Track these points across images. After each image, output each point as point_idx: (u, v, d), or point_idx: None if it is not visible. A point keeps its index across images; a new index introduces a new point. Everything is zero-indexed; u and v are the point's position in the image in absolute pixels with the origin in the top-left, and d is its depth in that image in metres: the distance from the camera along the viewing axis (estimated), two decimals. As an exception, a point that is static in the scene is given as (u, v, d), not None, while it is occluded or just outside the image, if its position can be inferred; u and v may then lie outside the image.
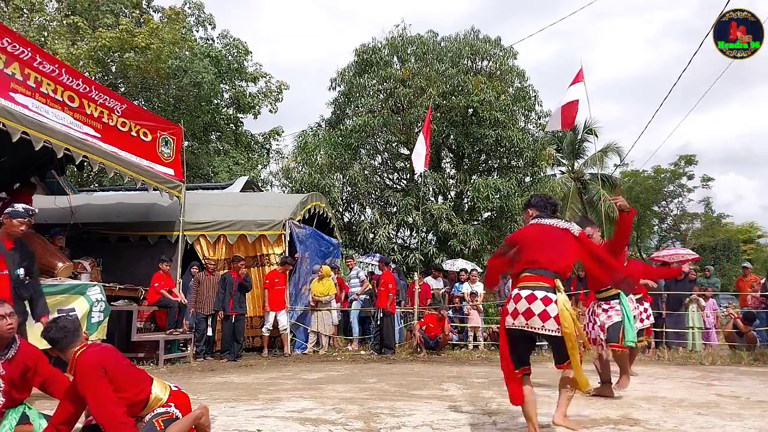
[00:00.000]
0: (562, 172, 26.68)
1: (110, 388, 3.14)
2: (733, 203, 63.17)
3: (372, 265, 14.06)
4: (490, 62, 19.28)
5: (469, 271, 12.42)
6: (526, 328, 3.56)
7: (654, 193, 35.91)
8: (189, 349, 9.63)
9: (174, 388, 3.50)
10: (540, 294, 3.55)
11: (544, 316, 3.50)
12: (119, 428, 3.06)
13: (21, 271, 4.54)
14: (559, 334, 3.50)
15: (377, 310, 10.63)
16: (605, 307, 5.61)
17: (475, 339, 11.37)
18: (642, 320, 6.66)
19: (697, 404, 5.07)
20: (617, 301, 5.59)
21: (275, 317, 10.28)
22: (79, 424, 3.46)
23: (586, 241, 3.85)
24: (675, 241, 36.13)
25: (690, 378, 7.10)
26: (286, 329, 10.38)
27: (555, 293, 3.54)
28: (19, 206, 4.46)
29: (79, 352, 3.20)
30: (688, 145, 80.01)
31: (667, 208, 37.55)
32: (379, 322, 10.59)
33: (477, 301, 11.43)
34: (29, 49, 7.41)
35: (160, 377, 3.63)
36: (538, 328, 3.52)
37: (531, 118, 19.94)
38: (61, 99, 7.83)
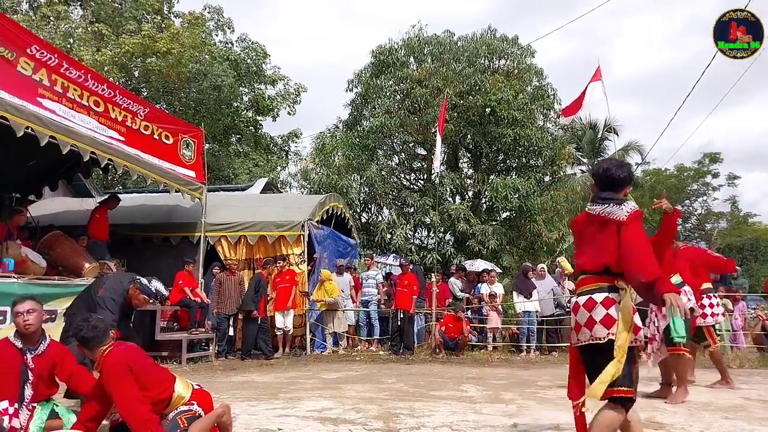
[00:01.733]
0: (583, 171, 26.45)
1: (136, 386, 3.22)
2: (760, 201, 61.74)
3: (389, 265, 14.08)
4: (508, 61, 19.21)
5: (488, 271, 12.37)
6: (591, 341, 2.94)
7: (677, 192, 35.41)
8: (211, 348, 9.76)
9: (196, 387, 3.57)
10: (599, 297, 2.95)
11: (609, 321, 2.89)
12: (144, 425, 3.14)
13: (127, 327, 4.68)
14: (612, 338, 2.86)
15: (397, 310, 10.64)
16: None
17: (494, 340, 11.35)
18: (705, 316, 6.11)
19: (724, 408, 5.01)
20: None
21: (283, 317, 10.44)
22: (105, 421, 3.56)
23: (630, 227, 2.91)
24: (700, 241, 35.58)
25: (715, 381, 7.02)
26: (288, 330, 10.53)
27: (617, 292, 2.93)
28: (154, 286, 4.54)
29: (106, 351, 3.30)
30: (711, 142, 78.60)
31: (691, 207, 36.96)
32: (399, 323, 10.60)
33: (496, 302, 11.39)
34: (56, 55, 7.60)
35: (183, 376, 3.72)
36: (604, 337, 2.89)
37: (550, 116, 19.81)
38: (86, 104, 8.01)
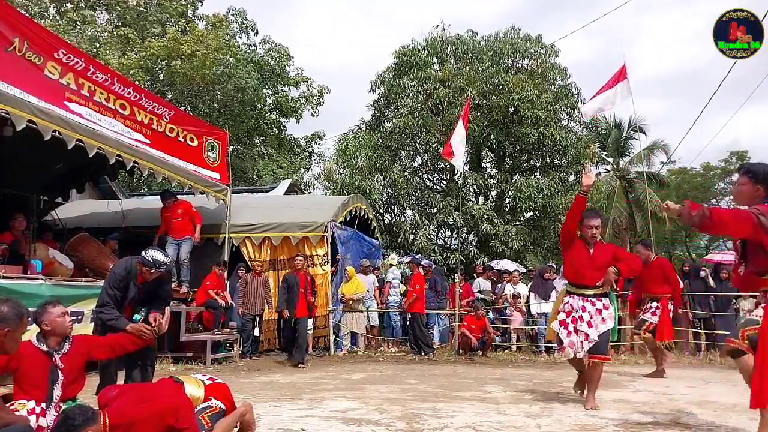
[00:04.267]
0: (607, 171, 26.13)
1: (156, 403, 3.21)
2: (789, 200, 59.86)
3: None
4: (531, 60, 19.03)
5: (511, 272, 12.27)
6: None
7: (703, 191, 34.73)
8: (235, 349, 9.84)
9: (208, 382, 3.56)
10: None
11: None
12: (190, 418, 3.19)
13: (140, 316, 4.66)
14: None
15: (404, 311, 10.65)
16: (599, 306, 5.00)
17: (518, 341, 11.25)
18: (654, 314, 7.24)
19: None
20: (609, 300, 5.09)
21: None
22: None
23: None
24: (726, 241, 34.81)
25: (743, 381, 6.85)
26: (310, 330, 10.59)
27: None
28: (150, 255, 4.58)
29: (104, 416, 3.02)
30: (737, 140, 76.60)
31: (718, 207, 36.17)
32: (408, 323, 10.61)
33: (520, 302, 11.28)
34: (83, 59, 7.73)
35: (189, 375, 3.72)
36: None
37: (574, 116, 19.59)
38: (113, 107, 8.13)
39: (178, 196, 10.07)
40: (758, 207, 3.38)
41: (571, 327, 5.00)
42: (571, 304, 5.05)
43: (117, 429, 3.00)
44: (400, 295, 11.68)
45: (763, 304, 3.51)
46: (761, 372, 3.30)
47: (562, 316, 5.09)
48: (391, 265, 12.62)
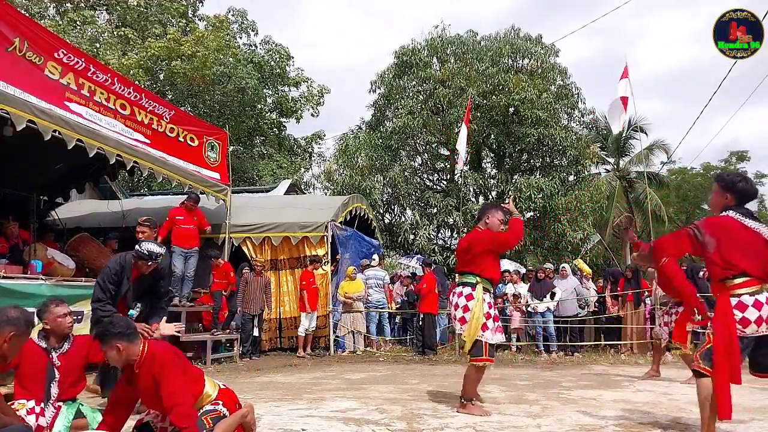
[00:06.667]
0: (607, 171, 26.14)
1: (183, 376, 3.25)
2: (789, 200, 60.00)
3: (414, 267, 14.03)
4: (531, 60, 19.04)
5: (511, 271, 12.28)
6: None
7: (703, 191, 34.74)
8: (235, 348, 9.84)
9: (222, 387, 3.59)
10: None
11: None
12: (186, 419, 3.10)
13: (135, 312, 4.68)
14: None
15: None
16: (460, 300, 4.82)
17: (518, 340, 11.25)
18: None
19: (752, 409, 4.89)
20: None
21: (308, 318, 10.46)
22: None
23: None
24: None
25: (744, 381, 6.85)
26: (313, 330, 10.60)
27: None
28: (145, 247, 4.58)
29: (146, 344, 3.26)
30: (737, 140, 76.73)
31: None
32: (420, 323, 10.60)
33: (520, 302, 11.29)
34: (83, 59, 7.72)
35: (209, 376, 3.73)
36: None
37: (574, 116, 19.60)
38: (113, 107, 8.12)
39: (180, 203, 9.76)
40: (696, 223, 3.62)
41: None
42: (489, 303, 4.88)
43: (146, 359, 3.20)
44: (404, 294, 11.67)
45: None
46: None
47: (491, 323, 4.81)
48: (370, 266, 12.49)
